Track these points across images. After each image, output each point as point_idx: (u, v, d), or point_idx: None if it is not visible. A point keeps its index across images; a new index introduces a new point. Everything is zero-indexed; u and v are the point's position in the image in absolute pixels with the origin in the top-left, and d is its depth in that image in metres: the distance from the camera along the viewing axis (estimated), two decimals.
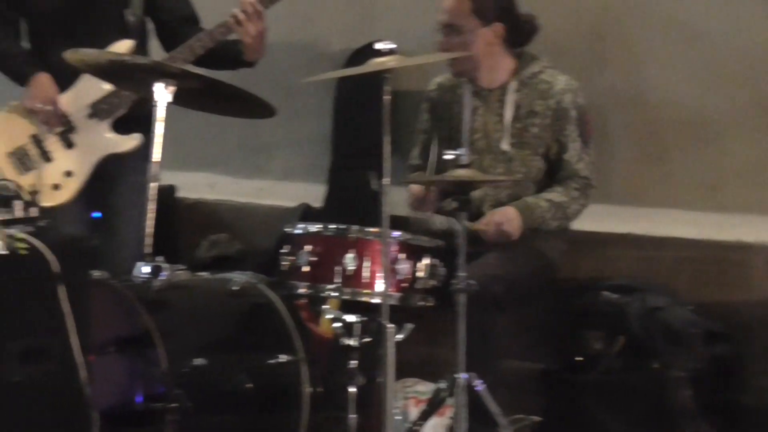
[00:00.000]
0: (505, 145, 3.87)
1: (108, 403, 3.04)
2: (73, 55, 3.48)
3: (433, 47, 3.91)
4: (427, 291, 3.46)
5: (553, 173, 3.88)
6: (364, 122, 4.70)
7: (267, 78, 4.33)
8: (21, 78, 3.95)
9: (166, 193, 4.94)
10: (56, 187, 3.90)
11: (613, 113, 4.47)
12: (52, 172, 3.91)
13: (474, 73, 3.93)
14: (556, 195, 3.83)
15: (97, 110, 3.95)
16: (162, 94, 3.37)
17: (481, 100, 3.94)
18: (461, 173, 3.40)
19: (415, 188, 3.87)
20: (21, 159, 3.94)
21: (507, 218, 3.72)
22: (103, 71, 3.57)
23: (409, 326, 3.35)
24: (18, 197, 3.00)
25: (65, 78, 3.90)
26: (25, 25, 4.04)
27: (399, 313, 3.26)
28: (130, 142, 3.93)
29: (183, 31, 3.98)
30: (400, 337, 3.26)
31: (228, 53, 3.95)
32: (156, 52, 4.10)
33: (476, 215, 3.74)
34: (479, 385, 3.33)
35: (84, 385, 2.90)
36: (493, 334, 3.53)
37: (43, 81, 3.91)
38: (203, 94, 3.49)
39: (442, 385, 3.38)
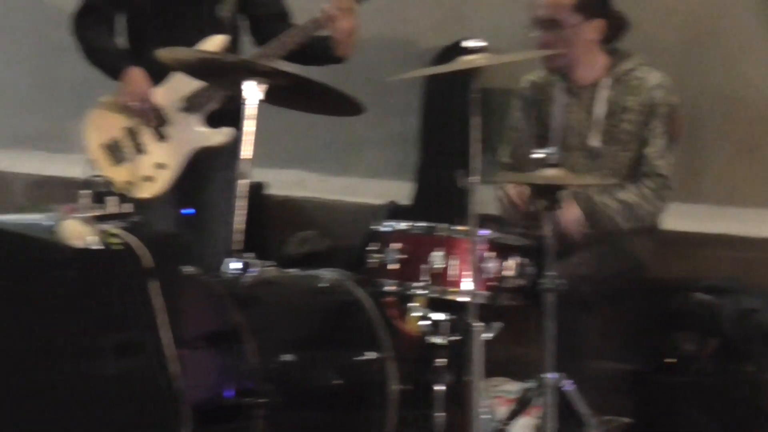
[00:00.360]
0: (594, 141, 3.85)
1: (198, 397, 3.06)
2: (165, 54, 3.55)
3: (529, 43, 3.88)
4: (515, 290, 3.46)
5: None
6: (453, 120, 4.67)
7: (356, 75, 4.35)
8: (115, 72, 4.03)
9: (256, 190, 4.96)
10: (149, 178, 3.97)
11: (708, 110, 4.41)
12: (145, 164, 3.99)
13: (569, 70, 3.92)
14: (628, 195, 3.78)
15: (190, 104, 4.02)
16: (251, 91, 3.40)
17: (574, 97, 3.91)
18: (550, 173, 3.40)
19: (511, 192, 3.80)
20: (114, 151, 4.02)
21: (568, 220, 3.65)
22: (194, 69, 3.62)
23: (498, 325, 3.35)
24: (112, 193, 3.04)
25: (161, 72, 3.96)
26: (122, 21, 4.13)
27: (487, 312, 3.27)
28: (221, 135, 3.98)
29: (275, 27, 4.03)
30: (487, 335, 3.26)
31: (318, 49, 3.99)
32: (249, 49, 4.14)
33: None
34: (568, 386, 3.32)
35: (175, 379, 2.94)
36: (581, 333, 3.51)
37: (136, 75, 3.99)
38: (292, 92, 3.50)
39: (530, 384, 3.37)
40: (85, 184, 3.02)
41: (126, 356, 2.91)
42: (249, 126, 3.42)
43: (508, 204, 3.80)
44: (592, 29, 3.86)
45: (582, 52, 3.87)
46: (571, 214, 3.67)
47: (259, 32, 4.12)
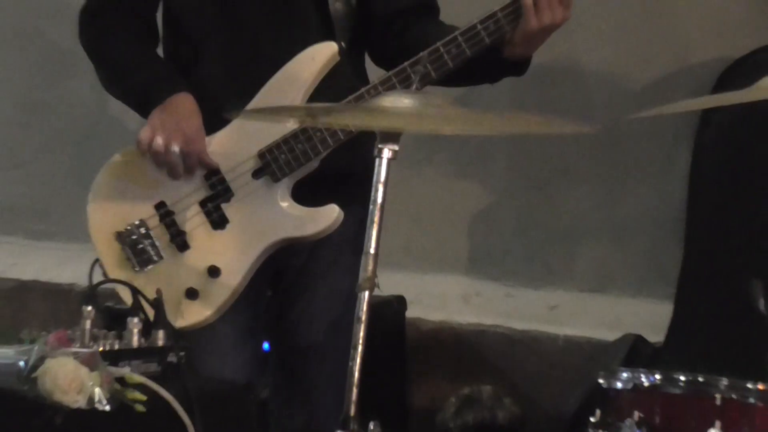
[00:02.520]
0: None
1: None
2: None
3: None
4: None
5: None
6: (750, 188, 4.63)
7: (568, 107, 4.34)
8: (147, 102, 4.05)
9: (391, 310, 5.01)
10: (193, 294, 3.99)
11: None
12: (187, 269, 4.02)
13: None
14: None
15: (270, 163, 4.04)
16: (387, 142, 3.31)
17: None
18: None
19: None
20: (136, 245, 4.04)
21: None
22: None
23: None
24: (136, 312, 3.06)
25: (221, 107, 3.95)
26: (161, 20, 4.19)
27: None
28: (323, 219, 4.00)
29: (416, 27, 4.12)
30: None
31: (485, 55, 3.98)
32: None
33: None
34: None
35: None
36: None
37: (185, 106, 4.03)
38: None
39: None
40: (88, 295, 3.01)
41: None
42: (378, 197, 3.39)
43: None
44: None
45: None
46: None
47: (386, 37, 4.18)
